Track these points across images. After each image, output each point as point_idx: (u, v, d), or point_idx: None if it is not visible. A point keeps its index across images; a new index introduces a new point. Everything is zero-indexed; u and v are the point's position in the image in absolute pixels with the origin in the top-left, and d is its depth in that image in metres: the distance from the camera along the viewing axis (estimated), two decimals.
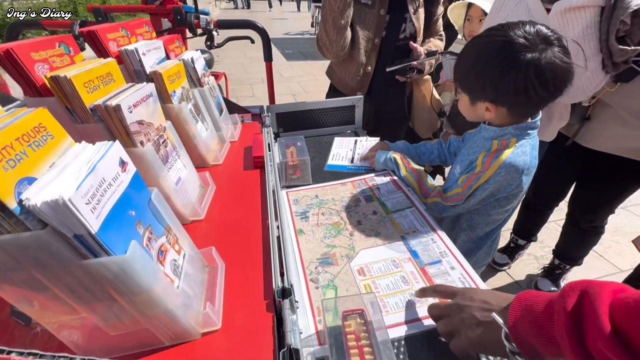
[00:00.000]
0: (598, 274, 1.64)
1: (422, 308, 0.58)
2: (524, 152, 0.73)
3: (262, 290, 0.53)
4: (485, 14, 1.27)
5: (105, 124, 0.57)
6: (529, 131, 0.74)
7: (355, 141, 1.16)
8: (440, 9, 1.28)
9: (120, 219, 0.37)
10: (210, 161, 0.92)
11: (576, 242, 1.45)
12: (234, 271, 0.57)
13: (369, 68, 1.24)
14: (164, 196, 0.63)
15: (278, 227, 0.63)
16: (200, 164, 0.90)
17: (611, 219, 1.33)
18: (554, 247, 1.56)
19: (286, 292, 0.50)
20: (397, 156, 0.94)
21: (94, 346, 0.43)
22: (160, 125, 0.67)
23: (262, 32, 1.42)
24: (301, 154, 1.02)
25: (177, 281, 0.45)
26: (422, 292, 0.55)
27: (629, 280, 1.12)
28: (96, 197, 0.34)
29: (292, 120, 1.23)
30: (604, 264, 1.70)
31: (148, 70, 0.78)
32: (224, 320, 0.48)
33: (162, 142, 0.67)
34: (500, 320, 0.39)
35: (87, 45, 0.80)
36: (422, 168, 0.92)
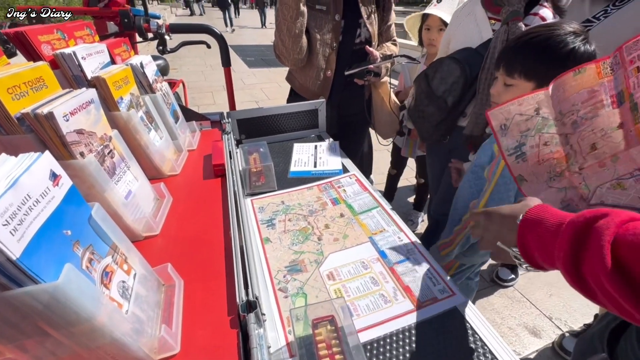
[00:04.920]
0: None
1: (393, 308, 0.58)
2: None
3: (225, 305, 0.50)
4: (444, 22, 1.34)
5: (37, 134, 0.51)
6: None
7: (315, 146, 1.16)
8: (393, 15, 1.33)
9: (50, 240, 0.33)
10: (166, 172, 0.86)
11: None
12: (195, 288, 0.53)
13: (329, 72, 1.25)
14: (112, 212, 0.57)
15: (240, 237, 0.60)
16: (155, 175, 0.83)
17: None
18: None
19: (251, 306, 0.47)
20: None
21: None
22: (104, 134, 0.62)
23: (219, 37, 1.37)
24: (264, 160, 1.00)
25: (127, 305, 0.41)
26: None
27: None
28: (17, 217, 0.30)
29: (254, 126, 1.19)
30: None
31: (90, 75, 0.71)
32: (183, 342, 0.44)
33: (108, 153, 0.61)
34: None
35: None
36: None
